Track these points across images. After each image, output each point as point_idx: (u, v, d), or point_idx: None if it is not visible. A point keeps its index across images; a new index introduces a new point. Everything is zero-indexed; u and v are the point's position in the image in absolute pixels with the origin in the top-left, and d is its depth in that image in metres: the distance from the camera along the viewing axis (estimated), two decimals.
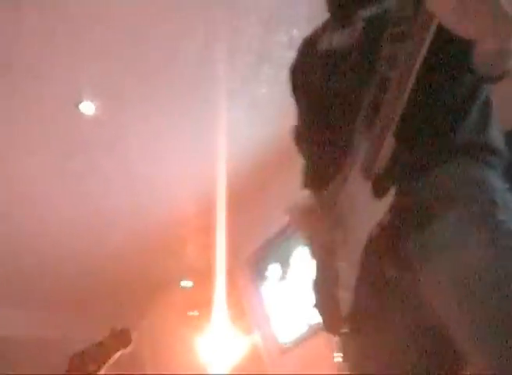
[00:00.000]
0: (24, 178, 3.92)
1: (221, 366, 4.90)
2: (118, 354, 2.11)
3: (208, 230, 4.38)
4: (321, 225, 1.38)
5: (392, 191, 1.16)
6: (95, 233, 4.67)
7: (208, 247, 4.48)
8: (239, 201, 4.30)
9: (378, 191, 1.19)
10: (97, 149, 3.90)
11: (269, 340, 4.88)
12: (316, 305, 1.41)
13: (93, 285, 5.12)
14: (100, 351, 2.08)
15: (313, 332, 4.28)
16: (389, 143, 1.16)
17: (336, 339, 1.56)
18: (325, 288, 1.36)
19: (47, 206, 4.24)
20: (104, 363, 2.07)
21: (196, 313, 5.14)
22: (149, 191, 4.42)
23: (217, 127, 3.80)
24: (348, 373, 1.32)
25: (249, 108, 3.90)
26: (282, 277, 4.86)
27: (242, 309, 5.03)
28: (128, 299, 5.24)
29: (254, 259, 5.11)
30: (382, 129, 1.17)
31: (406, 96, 1.13)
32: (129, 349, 2.12)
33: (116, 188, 4.32)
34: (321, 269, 1.41)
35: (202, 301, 4.92)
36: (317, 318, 1.41)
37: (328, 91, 1.34)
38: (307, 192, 1.48)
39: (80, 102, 3.49)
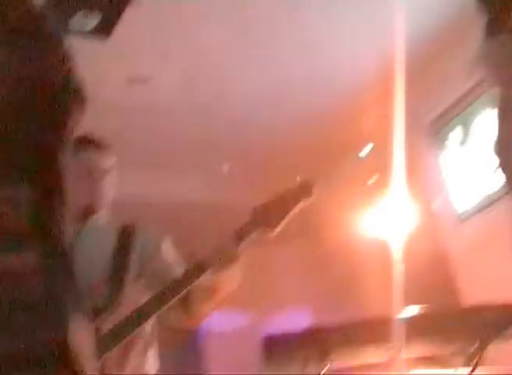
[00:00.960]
0: (202, 50, 4.08)
1: (396, 236, 4.99)
2: (299, 206, 2.16)
3: (386, 98, 4.36)
4: None
5: None
6: (272, 105, 4.81)
7: (387, 116, 4.48)
8: (418, 69, 4.24)
9: None
10: (275, 20, 3.96)
11: (446, 209, 4.89)
12: (500, 166, 1.40)
13: (269, 153, 5.31)
14: (282, 204, 2.14)
15: (493, 201, 4.24)
16: None
17: None
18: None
19: (224, 78, 4.41)
20: (285, 215, 2.14)
21: (372, 182, 5.22)
22: (327, 62, 4.46)
23: None
24: None
25: None
26: (463, 143, 4.79)
27: (420, 178, 5.04)
28: (304, 168, 5.40)
29: (434, 127, 5.06)
30: None
31: None
32: (309, 201, 2.17)
33: (294, 59, 4.39)
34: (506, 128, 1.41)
35: (379, 171, 4.98)
36: (499, 183, 1.41)
37: None
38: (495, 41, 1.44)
39: None
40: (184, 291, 2.10)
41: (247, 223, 2.15)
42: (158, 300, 2.10)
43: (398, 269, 3.89)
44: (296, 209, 2.16)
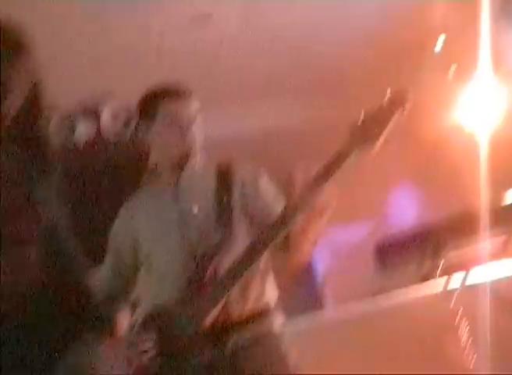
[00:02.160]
0: None
1: (483, 125, 4.87)
2: (396, 117, 2.10)
3: None
4: None
5: None
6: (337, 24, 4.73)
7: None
8: None
9: None
10: None
11: None
12: None
13: (341, 71, 5.23)
14: (378, 118, 2.08)
15: None
16: None
17: None
18: None
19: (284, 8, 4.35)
20: (384, 129, 2.07)
21: (452, 73, 5.06)
22: None
23: None
24: None
25: None
26: None
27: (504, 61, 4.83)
28: (381, 77, 5.25)
29: None
30: None
31: None
32: (407, 110, 2.10)
33: None
34: None
35: (462, 58, 4.83)
36: None
37: None
38: None
39: None
40: (285, 231, 2.11)
41: (346, 144, 2.09)
42: (264, 238, 2.11)
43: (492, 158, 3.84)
44: (393, 121, 2.10)
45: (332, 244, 5.80)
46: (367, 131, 2.08)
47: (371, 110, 2.12)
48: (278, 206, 2.24)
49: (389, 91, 2.11)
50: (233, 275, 2.10)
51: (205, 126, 2.42)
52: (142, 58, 4.32)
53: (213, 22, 4.19)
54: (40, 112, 1.18)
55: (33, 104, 1.13)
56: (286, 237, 2.17)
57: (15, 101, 1.06)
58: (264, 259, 2.28)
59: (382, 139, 2.08)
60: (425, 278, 3.53)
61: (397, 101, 2.10)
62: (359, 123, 2.11)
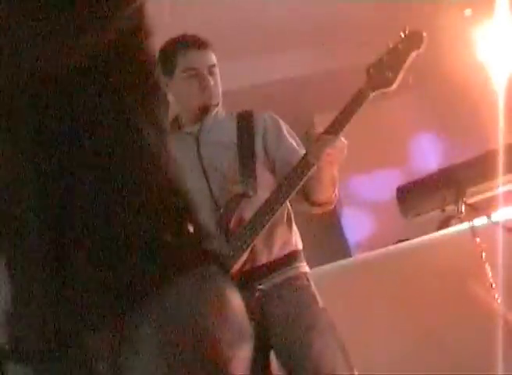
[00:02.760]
0: None
1: (502, 65, 4.81)
2: (412, 57, 2.14)
3: None
4: None
5: None
6: None
7: None
8: None
9: None
10: None
11: None
12: None
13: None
14: (394, 57, 2.12)
15: None
16: None
17: None
18: None
19: None
20: (400, 68, 2.12)
21: (468, 14, 4.99)
22: None
23: None
24: None
25: None
26: None
27: None
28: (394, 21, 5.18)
29: None
30: None
31: None
32: (421, 50, 2.13)
33: None
34: None
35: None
36: None
37: None
38: None
39: None
40: (302, 182, 2.15)
41: (365, 84, 2.15)
42: (286, 186, 2.16)
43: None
44: (409, 61, 2.14)
45: (356, 192, 5.86)
46: (384, 70, 2.12)
47: (387, 50, 2.16)
48: (298, 154, 2.27)
49: (403, 31, 2.15)
50: (258, 223, 2.14)
51: (224, 76, 2.43)
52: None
53: None
54: None
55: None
56: (305, 185, 2.20)
57: None
58: (286, 208, 2.33)
59: (399, 78, 2.12)
60: (447, 223, 3.57)
61: (413, 41, 2.13)
62: (376, 63, 2.15)
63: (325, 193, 2.28)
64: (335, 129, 2.13)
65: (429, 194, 3.00)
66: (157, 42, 2.33)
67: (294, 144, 2.38)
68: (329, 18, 5.05)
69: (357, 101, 2.13)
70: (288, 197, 2.16)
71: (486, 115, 4.27)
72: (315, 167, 2.13)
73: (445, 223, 3.60)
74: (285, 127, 2.43)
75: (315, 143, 2.13)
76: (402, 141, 6.02)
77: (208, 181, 2.28)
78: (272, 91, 5.29)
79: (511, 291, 3.05)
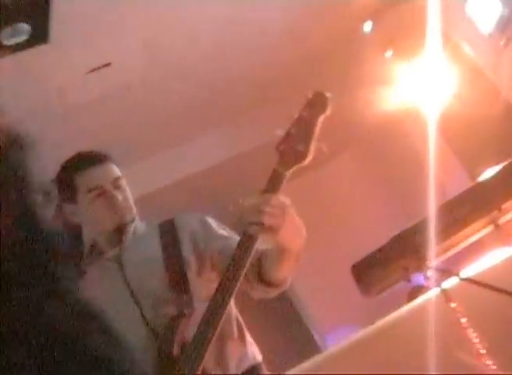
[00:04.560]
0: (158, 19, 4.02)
1: (433, 105, 4.91)
2: (320, 121, 2.10)
3: None
4: None
5: None
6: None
7: None
8: None
9: None
10: None
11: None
12: None
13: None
14: (301, 127, 2.09)
15: None
16: None
17: None
18: None
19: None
20: (310, 138, 2.07)
21: (390, 54, 5.10)
22: None
23: None
24: None
25: None
26: None
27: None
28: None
29: None
30: None
31: None
32: (328, 112, 2.10)
33: None
34: None
35: (398, 37, 4.88)
36: None
37: None
38: None
39: None
40: (249, 260, 2.02)
41: (277, 164, 2.08)
42: (229, 280, 2.02)
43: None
44: (318, 127, 2.10)
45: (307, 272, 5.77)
46: (294, 144, 2.07)
47: (293, 122, 2.11)
48: (234, 239, 2.21)
49: (306, 96, 2.11)
50: (203, 339, 1.99)
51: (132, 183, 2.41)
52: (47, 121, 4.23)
53: (115, 69, 4.17)
54: None
55: None
56: (261, 270, 2.13)
57: None
58: (235, 320, 2.29)
59: (311, 149, 2.08)
60: (416, 294, 3.50)
61: (317, 106, 2.10)
62: (284, 138, 2.09)
63: (280, 269, 2.15)
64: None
65: (389, 267, 2.95)
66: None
67: (227, 233, 2.34)
68: (231, 96, 5.11)
69: (274, 183, 2.06)
70: (233, 292, 2.02)
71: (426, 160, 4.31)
72: (257, 239, 2.00)
73: (413, 294, 3.54)
74: (214, 222, 2.39)
75: (246, 208, 2.01)
76: (347, 208, 6.03)
77: (140, 308, 2.22)
78: (192, 185, 5.29)
79: (503, 352, 2.97)
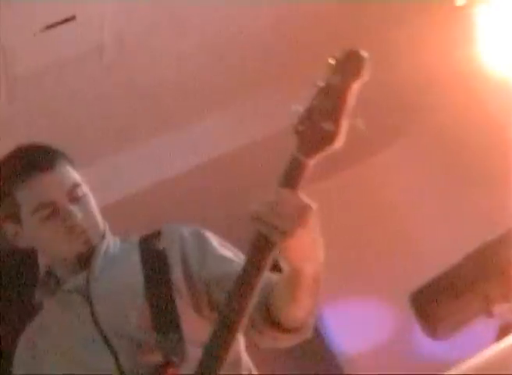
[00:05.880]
0: None
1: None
2: (353, 90, 2.01)
3: None
4: None
5: None
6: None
7: None
8: None
9: None
10: None
11: None
12: None
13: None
14: (328, 98, 2.00)
15: None
16: None
17: None
18: None
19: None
20: (340, 113, 1.98)
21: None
22: None
23: None
24: None
25: None
26: None
27: None
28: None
29: None
30: None
31: None
32: (365, 77, 1.99)
33: None
34: None
35: None
36: None
37: None
38: None
39: None
40: (260, 280, 1.92)
41: (296, 149, 1.98)
42: (234, 309, 1.95)
43: None
44: (350, 99, 1.99)
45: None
46: (318, 122, 1.98)
47: (317, 92, 2.01)
48: (235, 263, 2.21)
49: (334, 58, 2.02)
50: None
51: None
52: None
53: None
54: None
55: None
56: (269, 307, 2.11)
57: None
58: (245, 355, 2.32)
59: (342, 128, 1.98)
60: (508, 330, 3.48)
61: (349, 69, 2.00)
62: (304, 115, 2.00)
63: (294, 304, 2.08)
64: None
65: (463, 295, 2.91)
66: None
67: (230, 254, 2.33)
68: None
69: (292, 174, 1.95)
70: (235, 330, 1.95)
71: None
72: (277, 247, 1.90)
73: (505, 331, 3.48)
74: (215, 239, 2.40)
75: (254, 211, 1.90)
76: (402, 215, 5.99)
77: (115, 356, 2.23)
78: (187, 184, 5.39)
79: None
